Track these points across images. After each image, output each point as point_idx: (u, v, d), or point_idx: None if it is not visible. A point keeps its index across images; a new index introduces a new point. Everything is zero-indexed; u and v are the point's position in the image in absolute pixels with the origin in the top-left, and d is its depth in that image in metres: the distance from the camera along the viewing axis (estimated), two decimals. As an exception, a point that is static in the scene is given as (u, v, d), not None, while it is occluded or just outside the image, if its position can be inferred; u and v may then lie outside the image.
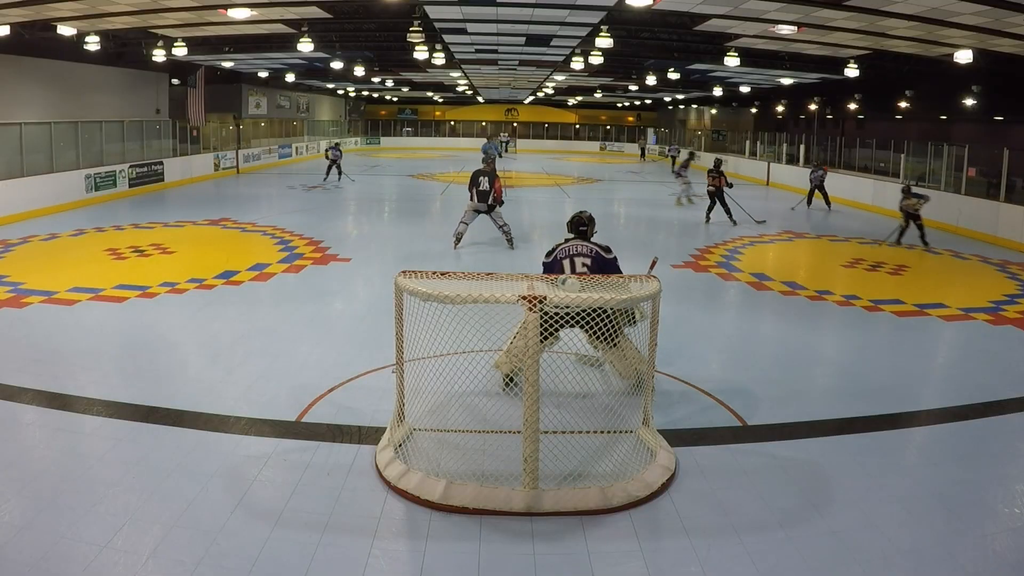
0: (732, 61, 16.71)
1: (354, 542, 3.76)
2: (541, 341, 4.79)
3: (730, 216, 15.26)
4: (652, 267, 6.13)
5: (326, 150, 23.50)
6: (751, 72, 22.30)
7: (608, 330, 4.68)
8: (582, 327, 4.65)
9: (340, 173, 22.79)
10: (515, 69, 26.16)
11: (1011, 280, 10.43)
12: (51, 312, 7.75)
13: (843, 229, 15.33)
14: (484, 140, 25.19)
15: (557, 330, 4.97)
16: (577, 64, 20.61)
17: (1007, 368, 6.74)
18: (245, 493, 4.19)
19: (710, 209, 15.74)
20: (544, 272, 5.56)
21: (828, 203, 18.58)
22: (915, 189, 13.43)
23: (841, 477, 4.53)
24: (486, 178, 11.47)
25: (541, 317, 4.53)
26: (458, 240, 11.70)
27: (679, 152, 33.19)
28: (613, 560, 3.67)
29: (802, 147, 25.78)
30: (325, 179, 22.70)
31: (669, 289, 8.01)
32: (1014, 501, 4.35)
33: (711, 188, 15.48)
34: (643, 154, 43.38)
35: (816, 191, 18.63)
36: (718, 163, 16.39)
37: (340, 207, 17.83)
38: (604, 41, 14.73)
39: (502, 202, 11.77)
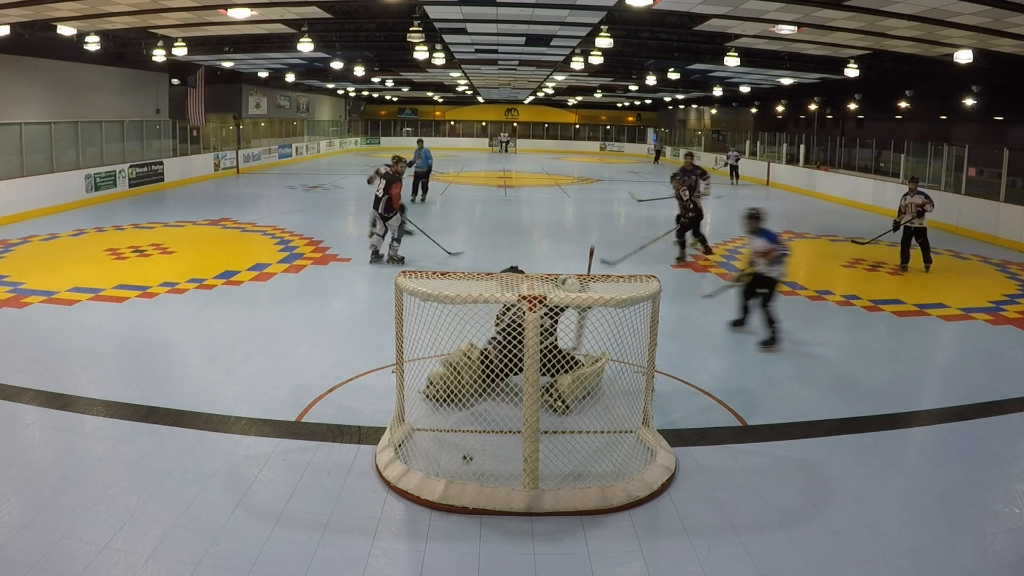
0: (732, 61, 16.71)
1: (354, 542, 3.76)
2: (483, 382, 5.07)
3: (704, 245, 11.66)
4: (591, 256, 6.04)
5: (410, 163, 15.78)
6: (751, 72, 22.30)
7: (558, 364, 4.95)
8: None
9: (423, 193, 18.08)
10: (515, 69, 26.17)
11: (1011, 280, 10.43)
12: (51, 312, 7.75)
13: (843, 229, 15.33)
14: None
15: (504, 376, 5.10)
16: (577, 64, 20.61)
17: (1007, 368, 6.74)
18: (245, 493, 4.19)
19: (684, 230, 11.58)
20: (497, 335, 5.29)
21: (928, 260, 10.88)
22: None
23: (841, 477, 4.54)
24: (384, 182, 10.22)
25: (485, 362, 4.76)
26: (374, 253, 10.44)
27: (739, 160, 26.48)
28: (613, 560, 3.67)
29: (802, 147, 25.79)
30: (423, 199, 18.03)
31: (669, 289, 8.02)
32: (1014, 501, 4.35)
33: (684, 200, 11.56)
34: (657, 157, 38.65)
35: (911, 235, 10.92)
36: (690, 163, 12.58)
37: (340, 207, 17.82)
38: (604, 41, 14.74)
39: (399, 208, 10.35)
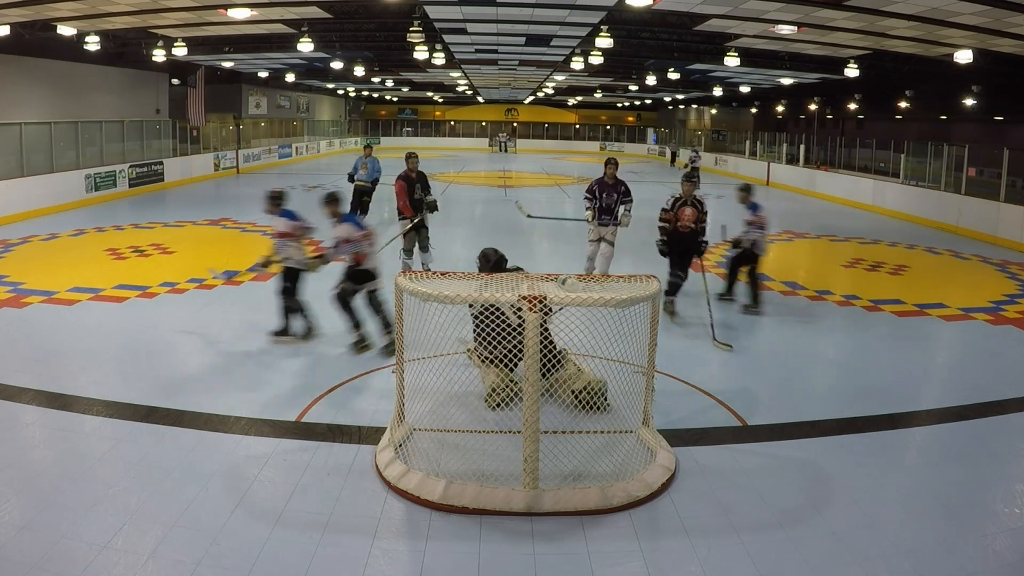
0: (732, 61, 16.72)
1: (354, 542, 3.76)
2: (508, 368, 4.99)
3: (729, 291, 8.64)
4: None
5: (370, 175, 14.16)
6: (751, 72, 22.31)
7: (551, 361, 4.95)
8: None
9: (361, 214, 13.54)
10: (515, 69, 26.16)
11: (1011, 280, 10.43)
12: (51, 312, 7.75)
13: (843, 229, 15.33)
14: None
15: (515, 366, 5.05)
16: (577, 64, 20.62)
17: (1007, 368, 6.74)
18: (245, 493, 4.19)
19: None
20: (481, 328, 5.22)
21: (756, 300, 8.34)
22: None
23: (841, 477, 4.54)
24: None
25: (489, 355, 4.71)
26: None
27: (695, 160, 25.12)
28: (613, 560, 3.67)
29: (802, 147, 25.80)
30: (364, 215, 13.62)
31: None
32: (1014, 501, 4.35)
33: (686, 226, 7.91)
34: (673, 159, 36.17)
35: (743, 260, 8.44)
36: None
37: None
38: (604, 41, 14.75)
39: (408, 218, 9.19)
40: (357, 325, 6.48)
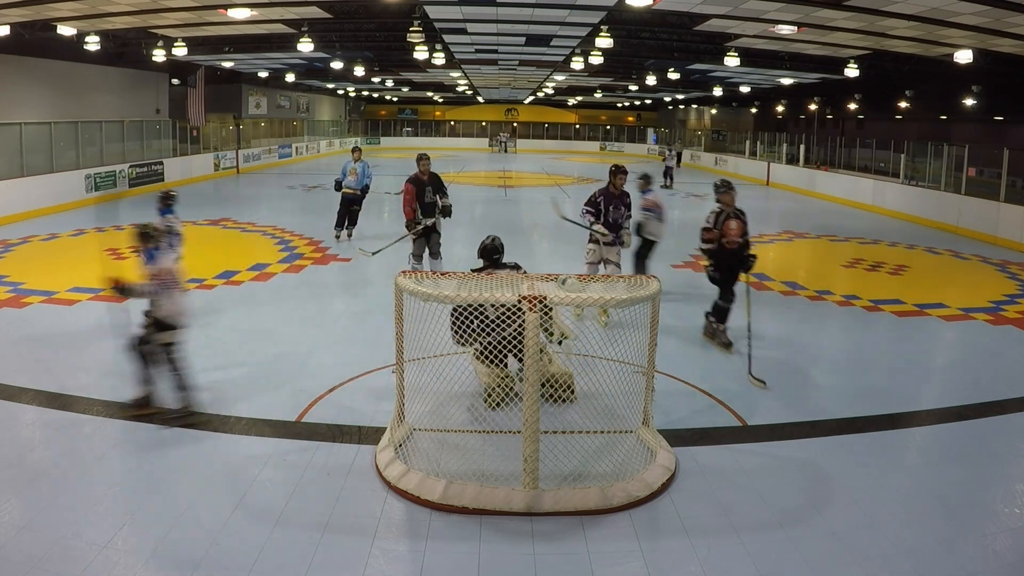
0: (732, 61, 16.72)
1: (354, 542, 3.76)
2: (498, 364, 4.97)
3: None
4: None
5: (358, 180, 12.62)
6: (751, 72, 22.30)
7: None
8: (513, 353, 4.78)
9: (350, 227, 12.71)
10: (515, 69, 26.16)
11: (1011, 280, 10.43)
12: (51, 312, 7.75)
13: (843, 229, 15.33)
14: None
15: (504, 358, 5.00)
16: (577, 64, 20.62)
17: (1007, 368, 6.74)
18: (245, 493, 4.19)
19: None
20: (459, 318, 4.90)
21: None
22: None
23: (841, 477, 4.54)
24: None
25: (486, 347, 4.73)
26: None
27: (666, 159, 24.72)
28: (613, 560, 3.67)
29: (802, 147, 25.80)
30: (349, 234, 12.69)
31: (669, 289, 8.02)
32: (1014, 501, 4.35)
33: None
34: (678, 160, 32.79)
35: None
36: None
37: (340, 207, 17.80)
38: (604, 41, 14.75)
39: (409, 222, 8.59)
40: (146, 381, 5.25)
